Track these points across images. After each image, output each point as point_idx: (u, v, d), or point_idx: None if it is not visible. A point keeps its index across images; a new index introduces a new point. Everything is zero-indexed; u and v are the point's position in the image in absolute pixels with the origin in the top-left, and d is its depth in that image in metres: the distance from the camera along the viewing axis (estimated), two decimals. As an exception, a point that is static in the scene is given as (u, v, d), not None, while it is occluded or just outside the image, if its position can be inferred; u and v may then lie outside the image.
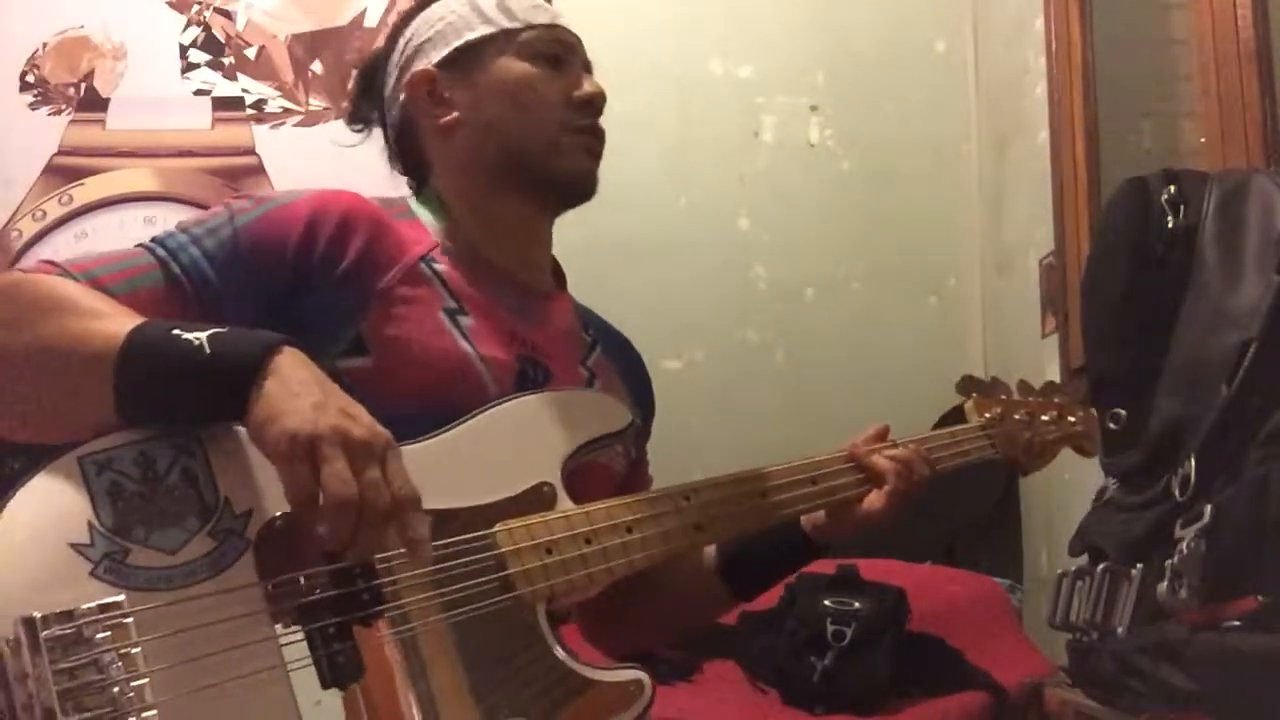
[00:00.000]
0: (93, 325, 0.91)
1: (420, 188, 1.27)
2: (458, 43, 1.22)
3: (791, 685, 2.06)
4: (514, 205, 1.22)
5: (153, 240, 1.06)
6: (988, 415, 1.36)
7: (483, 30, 1.21)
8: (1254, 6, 1.65)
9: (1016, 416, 1.37)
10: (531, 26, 1.22)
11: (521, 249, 1.24)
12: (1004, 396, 1.39)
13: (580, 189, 1.23)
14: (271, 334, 0.91)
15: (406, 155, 1.28)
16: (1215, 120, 1.72)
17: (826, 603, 2.09)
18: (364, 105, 1.32)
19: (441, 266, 1.16)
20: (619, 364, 1.31)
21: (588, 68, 1.26)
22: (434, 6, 1.25)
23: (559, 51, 1.23)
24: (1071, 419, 1.40)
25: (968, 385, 1.40)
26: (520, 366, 1.15)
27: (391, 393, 1.03)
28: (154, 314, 0.96)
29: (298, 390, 0.86)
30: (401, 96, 1.25)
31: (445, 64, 1.22)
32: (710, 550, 1.26)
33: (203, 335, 0.88)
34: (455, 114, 1.21)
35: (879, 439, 1.27)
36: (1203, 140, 1.79)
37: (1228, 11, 1.70)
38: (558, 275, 1.31)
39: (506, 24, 1.22)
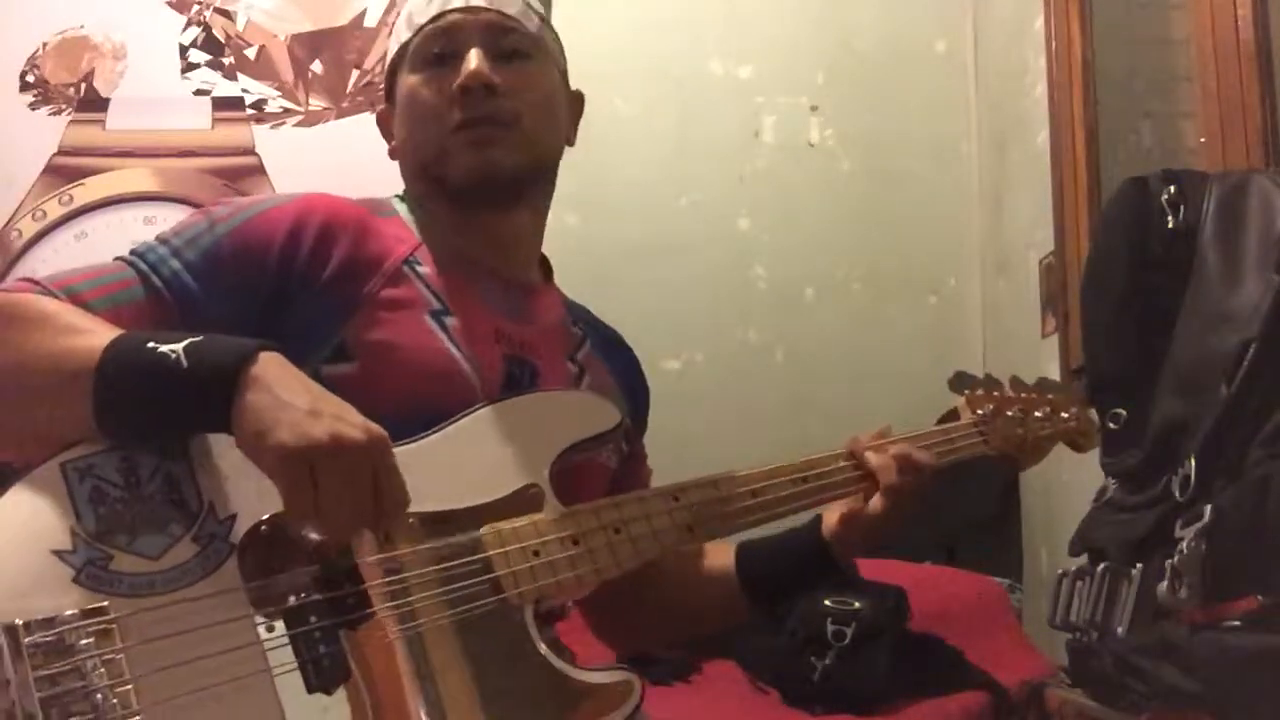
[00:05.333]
0: (71, 342, 0.91)
1: None
2: (388, 74, 1.22)
3: (791, 685, 2.06)
4: (457, 216, 1.18)
5: (132, 253, 1.05)
6: (980, 412, 1.35)
7: (396, 54, 1.20)
8: (1254, 6, 1.65)
9: (1009, 413, 1.37)
10: (419, 30, 1.17)
11: (499, 248, 1.20)
12: (996, 393, 1.39)
13: (479, 185, 1.14)
14: (248, 341, 0.90)
15: None
16: (1215, 120, 1.72)
17: (826, 603, 2.09)
18: None
19: (424, 268, 1.14)
20: (609, 358, 1.29)
21: (487, 40, 1.15)
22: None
23: (441, 47, 1.15)
24: (1064, 414, 1.40)
25: (960, 382, 1.40)
26: (507, 367, 1.13)
27: (377, 398, 1.01)
28: (135, 330, 0.95)
29: (286, 398, 0.85)
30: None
31: (389, 96, 1.23)
32: (729, 560, 1.25)
33: (179, 346, 0.87)
34: (393, 144, 1.23)
35: (879, 440, 1.26)
36: (1203, 140, 1.79)
37: (1228, 11, 1.70)
38: (544, 267, 1.29)
39: (405, 36, 1.19)
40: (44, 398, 0.90)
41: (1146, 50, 2.19)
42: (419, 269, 1.13)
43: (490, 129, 1.13)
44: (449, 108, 1.13)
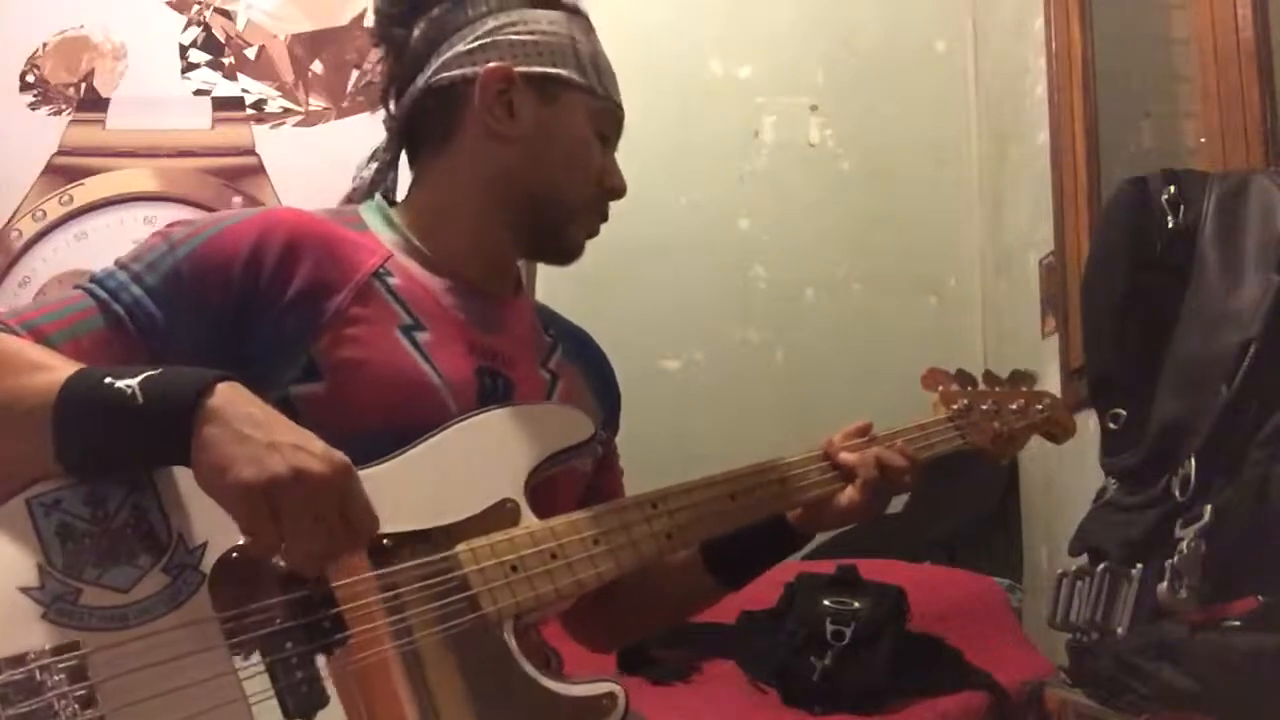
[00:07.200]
0: (29, 380, 0.89)
1: (414, 153, 1.23)
2: (551, 70, 1.19)
3: (791, 685, 2.06)
4: (502, 234, 1.20)
5: (93, 280, 1.03)
6: (954, 407, 1.36)
7: (577, 76, 1.20)
8: (1254, 6, 1.65)
9: (984, 407, 1.38)
10: (610, 101, 1.23)
11: (489, 264, 1.22)
12: (970, 388, 1.40)
13: (567, 258, 1.25)
14: (205, 372, 0.88)
15: (425, 115, 1.21)
16: (1215, 120, 1.72)
17: (826, 603, 2.09)
18: (405, 19, 1.22)
19: (395, 280, 1.12)
20: (581, 362, 1.30)
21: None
22: (539, 10, 1.22)
23: (610, 131, 1.25)
24: (1038, 406, 1.41)
25: (933, 378, 1.41)
26: (480, 380, 1.13)
27: (348, 416, 1.01)
28: (98, 359, 0.95)
29: (244, 431, 0.83)
30: (469, 71, 1.18)
31: (528, 76, 1.19)
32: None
33: (134, 382, 0.86)
34: (517, 131, 1.18)
35: (859, 435, 1.26)
36: (1203, 140, 1.79)
37: (1228, 11, 1.70)
38: (515, 277, 1.29)
39: (595, 86, 1.21)
40: (4, 437, 0.88)
41: (1146, 50, 2.19)
42: (389, 281, 1.12)
43: (599, 228, 1.26)
44: (598, 184, 1.22)
